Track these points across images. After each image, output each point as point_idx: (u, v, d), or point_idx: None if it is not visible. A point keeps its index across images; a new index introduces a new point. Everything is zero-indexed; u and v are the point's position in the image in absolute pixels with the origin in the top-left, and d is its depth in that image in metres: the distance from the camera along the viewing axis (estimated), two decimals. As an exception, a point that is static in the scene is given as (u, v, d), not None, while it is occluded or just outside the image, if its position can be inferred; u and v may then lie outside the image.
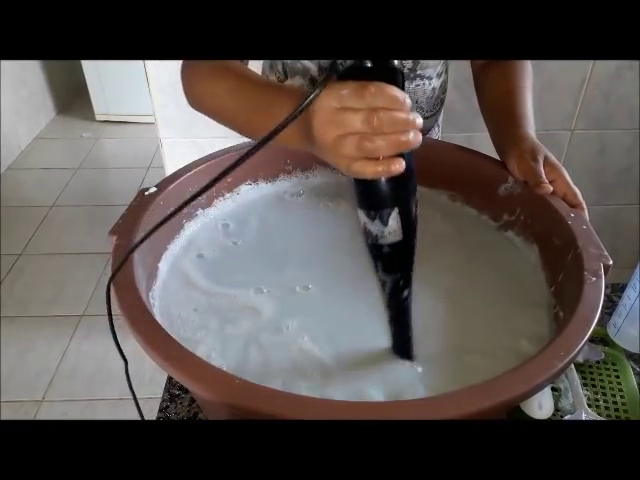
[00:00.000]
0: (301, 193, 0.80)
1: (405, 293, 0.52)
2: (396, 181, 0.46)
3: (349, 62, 0.43)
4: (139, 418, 0.56)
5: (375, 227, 0.48)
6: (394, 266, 0.51)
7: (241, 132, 0.66)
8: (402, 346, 0.55)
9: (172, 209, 0.67)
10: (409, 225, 0.48)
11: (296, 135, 0.49)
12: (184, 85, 0.72)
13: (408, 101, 0.44)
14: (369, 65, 0.43)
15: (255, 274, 0.67)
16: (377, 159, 0.44)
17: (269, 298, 0.64)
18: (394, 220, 0.47)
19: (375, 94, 0.43)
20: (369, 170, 0.44)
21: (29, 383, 1.72)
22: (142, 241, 0.48)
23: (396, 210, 0.47)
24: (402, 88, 0.44)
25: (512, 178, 0.70)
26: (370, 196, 0.47)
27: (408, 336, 0.55)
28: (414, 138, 0.44)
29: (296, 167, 0.80)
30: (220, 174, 0.43)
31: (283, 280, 0.66)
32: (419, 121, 0.45)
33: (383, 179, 0.45)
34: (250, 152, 0.42)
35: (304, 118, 0.45)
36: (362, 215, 0.49)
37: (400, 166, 0.44)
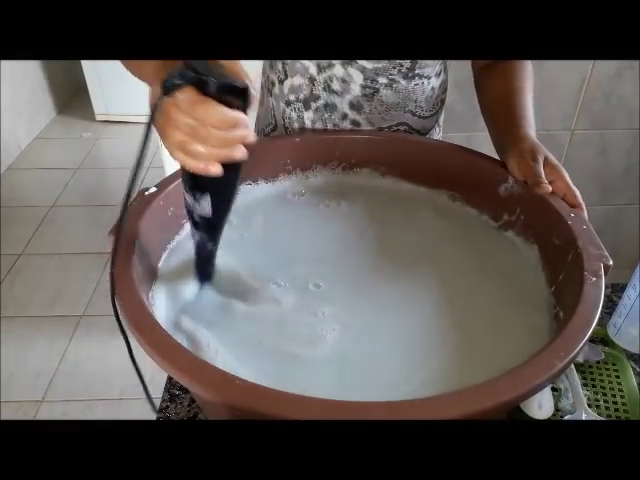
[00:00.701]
0: (303, 193, 0.80)
1: (210, 246, 0.60)
2: (213, 178, 0.50)
3: (193, 77, 0.46)
4: (148, 414, 0.56)
5: (190, 200, 0.55)
6: (203, 229, 0.58)
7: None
8: (200, 273, 0.63)
9: (172, 209, 0.68)
10: (219, 209, 0.56)
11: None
12: None
13: (241, 120, 0.48)
14: (211, 87, 0.46)
15: (263, 269, 0.67)
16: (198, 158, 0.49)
17: (282, 290, 0.64)
18: (205, 202, 0.54)
19: (205, 112, 0.46)
20: (188, 164, 0.49)
21: (29, 383, 1.72)
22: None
23: (208, 196, 0.54)
24: (244, 105, 0.48)
25: (512, 178, 0.70)
26: (188, 179, 0.53)
27: (208, 270, 0.63)
28: (235, 154, 0.49)
29: (296, 167, 0.80)
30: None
31: (292, 275, 0.66)
32: (248, 139, 0.49)
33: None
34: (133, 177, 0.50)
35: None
36: (182, 187, 0.55)
37: (215, 169, 0.49)
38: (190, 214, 0.57)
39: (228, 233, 0.65)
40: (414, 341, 0.58)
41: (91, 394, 1.69)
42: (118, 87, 2.90)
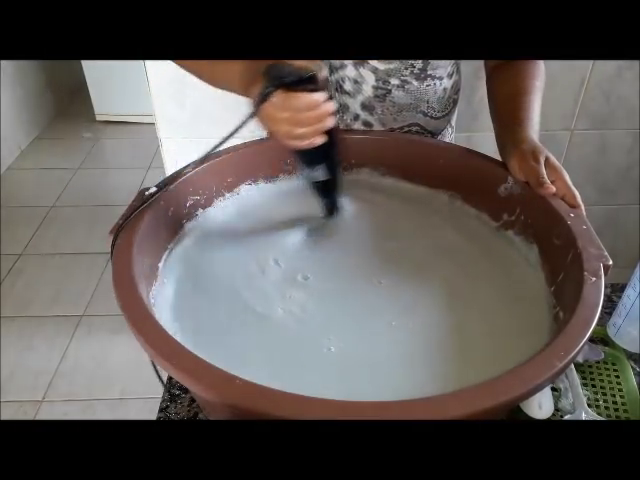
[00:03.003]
0: (301, 193, 0.80)
1: (332, 199, 0.74)
2: (320, 148, 0.63)
3: (276, 80, 0.57)
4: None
5: (309, 173, 0.69)
6: (327, 192, 0.73)
7: (204, 79, 0.74)
8: (330, 208, 0.75)
9: (172, 209, 0.68)
10: (333, 169, 0.69)
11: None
12: None
13: (320, 97, 0.59)
14: (291, 79, 0.57)
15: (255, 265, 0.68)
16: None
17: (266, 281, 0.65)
18: (322, 169, 0.68)
19: (295, 103, 0.58)
20: (298, 145, 0.62)
21: (29, 383, 1.72)
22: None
23: (323, 164, 0.67)
24: (318, 88, 0.59)
25: (512, 178, 0.70)
26: (304, 158, 0.67)
27: (335, 204, 0.75)
28: (327, 123, 0.61)
29: (296, 167, 0.80)
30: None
31: (284, 275, 0.67)
32: (330, 109, 0.60)
33: (310, 148, 0.62)
34: (216, 147, 0.60)
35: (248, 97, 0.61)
36: (299, 165, 0.69)
37: (318, 140, 0.62)
38: (311, 184, 0.71)
39: (229, 232, 0.65)
40: (404, 341, 0.58)
41: (91, 394, 1.69)
42: (118, 87, 2.90)
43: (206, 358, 0.47)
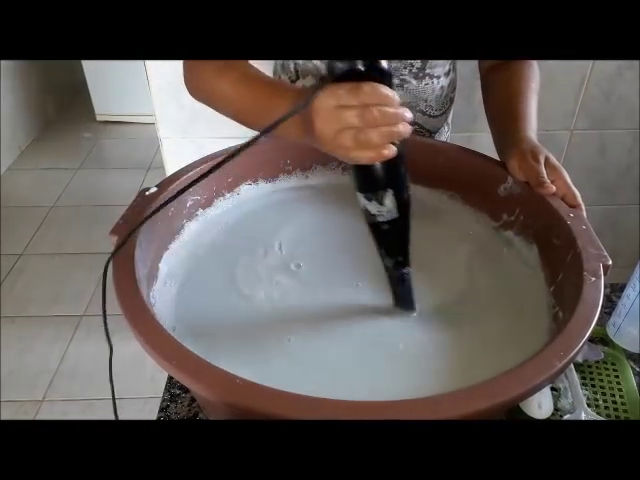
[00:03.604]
0: (301, 193, 0.80)
1: (404, 270, 0.59)
2: (389, 165, 0.52)
3: (344, 65, 0.48)
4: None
5: (373, 207, 0.54)
6: (393, 246, 0.58)
7: (247, 125, 0.69)
8: (404, 303, 0.61)
9: (173, 209, 0.68)
10: (403, 204, 0.55)
11: (297, 129, 0.54)
12: (189, 84, 0.74)
13: (397, 97, 0.50)
14: (361, 68, 0.48)
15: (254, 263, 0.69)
16: (371, 147, 0.50)
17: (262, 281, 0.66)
18: (389, 200, 0.54)
19: (368, 93, 0.48)
20: (364, 156, 0.51)
21: (29, 383, 1.72)
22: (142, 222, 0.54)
23: (391, 191, 0.53)
24: (391, 87, 0.50)
25: (511, 178, 0.70)
26: (367, 180, 0.54)
27: (410, 296, 0.61)
28: (403, 129, 0.50)
29: (296, 167, 0.80)
30: (216, 165, 0.49)
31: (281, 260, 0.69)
32: (408, 115, 0.51)
33: (378, 164, 0.52)
34: (248, 144, 0.48)
35: (304, 115, 0.51)
36: (361, 197, 0.55)
37: (390, 151, 0.50)
38: (376, 231, 0.57)
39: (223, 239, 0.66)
40: (362, 343, 0.59)
41: (91, 394, 1.69)
42: (118, 87, 2.90)
43: (189, 337, 0.49)
